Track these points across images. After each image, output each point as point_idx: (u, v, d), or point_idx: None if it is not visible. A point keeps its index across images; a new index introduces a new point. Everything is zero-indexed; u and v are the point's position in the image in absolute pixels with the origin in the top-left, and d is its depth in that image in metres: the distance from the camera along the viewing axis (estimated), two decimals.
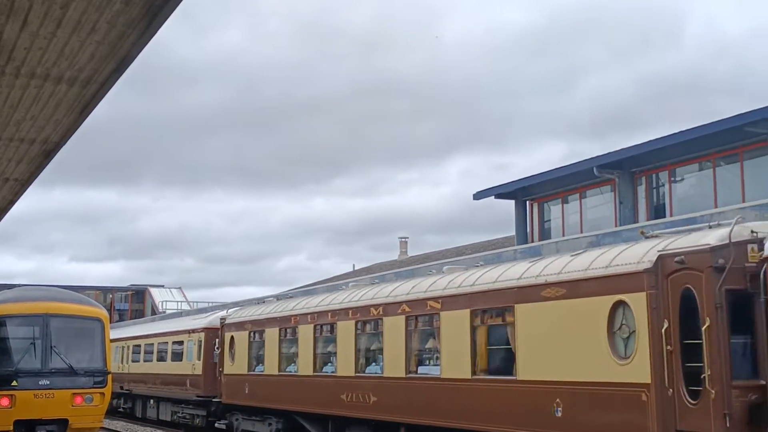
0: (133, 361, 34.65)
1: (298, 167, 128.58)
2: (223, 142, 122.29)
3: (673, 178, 27.00)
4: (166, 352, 30.43)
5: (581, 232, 28.30)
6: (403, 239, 60.34)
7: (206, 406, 26.72)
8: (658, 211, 27.17)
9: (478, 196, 33.54)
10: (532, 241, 30.69)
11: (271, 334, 21.82)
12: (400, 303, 16.27)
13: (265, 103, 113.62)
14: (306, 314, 20.12)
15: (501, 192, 32.76)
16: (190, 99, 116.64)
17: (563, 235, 29.37)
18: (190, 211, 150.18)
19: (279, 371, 21.25)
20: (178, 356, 29.17)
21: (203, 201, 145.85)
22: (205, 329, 26.90)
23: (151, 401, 32.24)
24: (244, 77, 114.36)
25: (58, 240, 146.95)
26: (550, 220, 31.90)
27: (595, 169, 27.69)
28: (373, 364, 17.30)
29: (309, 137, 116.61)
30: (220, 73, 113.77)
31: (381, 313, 16.84)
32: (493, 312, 14.02)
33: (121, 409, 36.19)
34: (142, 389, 33.27)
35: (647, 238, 12.16)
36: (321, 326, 19.41)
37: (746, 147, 24.34)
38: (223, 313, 26.92)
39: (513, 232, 33.90)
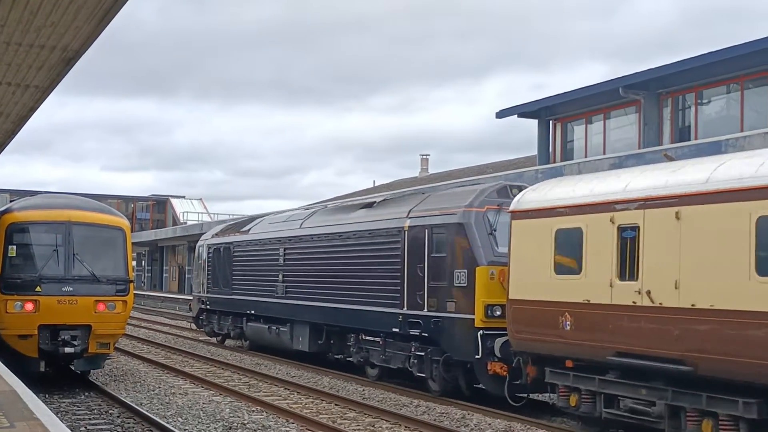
0: None
1: (337, 84, 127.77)
2: (265, 58, 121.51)
3: (699, 101, 26.57)
4: None
5: (604, 154, 28.07)
6: (425, 156, 60.24)
7: None
8: (683, 133, 26.83)
9: (501, 114, 33.20)
10: (554, 162, 30.49)
11: None
12: None
13: (311, 20, 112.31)
14: None
15: (524, 111, 32.40)
16: (238, 14, 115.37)
17: (586, 156, 29.14)
18: (225, 124, 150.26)
19: None
20: None
21: (239, 115, 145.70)
22: None
23: None
24: None
25: (92, 149, 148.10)
26: (573, 141, 31.61)
27: (620, 90, 27.27)
28: None
29: (351, 55, 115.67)
30: None
31: None
32: None
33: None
34: None
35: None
36: None
37: None
38: None
39: (536, 152, 33.68)
